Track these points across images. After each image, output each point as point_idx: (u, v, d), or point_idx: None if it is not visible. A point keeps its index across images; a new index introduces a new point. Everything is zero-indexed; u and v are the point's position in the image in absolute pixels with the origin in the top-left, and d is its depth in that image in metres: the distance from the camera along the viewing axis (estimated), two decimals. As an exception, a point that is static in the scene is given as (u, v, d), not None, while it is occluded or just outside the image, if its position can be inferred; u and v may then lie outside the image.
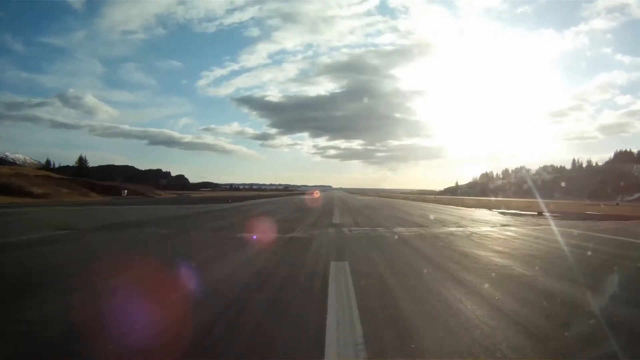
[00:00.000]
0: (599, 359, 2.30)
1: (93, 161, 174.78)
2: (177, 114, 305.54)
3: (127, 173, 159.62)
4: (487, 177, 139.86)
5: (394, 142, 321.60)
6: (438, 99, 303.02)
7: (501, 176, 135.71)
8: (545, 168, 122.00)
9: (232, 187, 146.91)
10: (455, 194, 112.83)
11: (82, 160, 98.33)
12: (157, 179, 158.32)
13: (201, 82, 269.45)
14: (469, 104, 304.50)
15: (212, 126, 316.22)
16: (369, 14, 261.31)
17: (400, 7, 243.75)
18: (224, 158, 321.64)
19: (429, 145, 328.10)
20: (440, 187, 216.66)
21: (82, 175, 70.46)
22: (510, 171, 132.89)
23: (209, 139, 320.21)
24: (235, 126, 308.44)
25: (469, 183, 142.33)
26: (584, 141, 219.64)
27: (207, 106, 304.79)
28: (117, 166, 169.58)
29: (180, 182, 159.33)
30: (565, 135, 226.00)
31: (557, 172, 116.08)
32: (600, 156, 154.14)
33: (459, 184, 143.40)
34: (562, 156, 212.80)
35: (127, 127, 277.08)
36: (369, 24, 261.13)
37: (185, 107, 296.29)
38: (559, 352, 2.28)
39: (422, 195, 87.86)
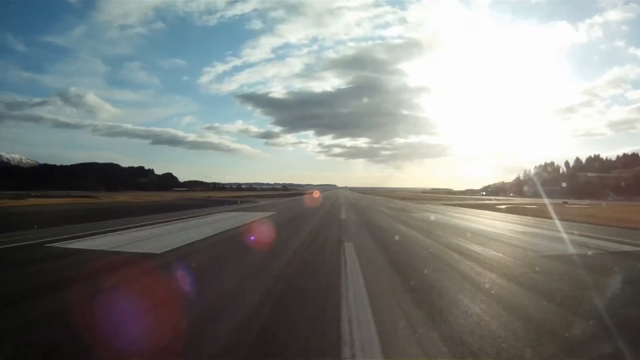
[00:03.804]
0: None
1: (95, 160, 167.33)
2: (180, 112, 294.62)
3: (109, 171, 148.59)
4: (547, 170, 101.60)
5: (400, 140, 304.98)
6: (445, 95, 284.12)
7: (564, 169, 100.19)
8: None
9: (215, 187, 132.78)
10: (522, 194, 77.53)
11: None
12: (138, 177, 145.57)
13: (203, 79, 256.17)
14: (477, 100, 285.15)
15: (216, 124, 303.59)
16: (377, 4, 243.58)
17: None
18: (229, 157, 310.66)
19: (435, 142, 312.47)
20: (446, 185, 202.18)
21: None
22: (583, 162, 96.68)
23: (212, 137, 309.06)
24: (239, 124, 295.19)
25: (510, 181, 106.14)
26: (591, 138, 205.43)
27: (210, 104, 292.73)
28: (100, 164, 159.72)
29: (165, 181, 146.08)
30: (573, 132, 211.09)
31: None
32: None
33: (469, 182, 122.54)
34: (570, 154, 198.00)
35: (130, 126, 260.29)
36: (377, 15, 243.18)
37: (188, 105, 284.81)
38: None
39: (473, 197, 59.94)
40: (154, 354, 2.76)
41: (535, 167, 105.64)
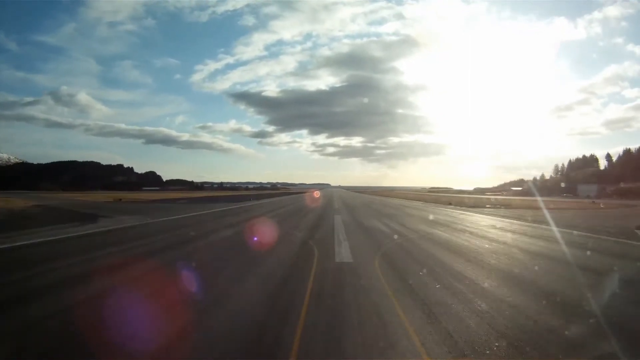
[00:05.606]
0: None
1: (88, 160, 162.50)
2: (173, 112, 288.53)
3: (87, 170, 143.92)
4: (585, 162, 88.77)
5: (394, 139, 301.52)
6: (442, 93, 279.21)
7: (605, 162, 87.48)
8: None
9: (194, 186, 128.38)
10: (575, 194, 66.65)
11: None
12: (117, 175, 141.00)
13: (195, 77, 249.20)
14: (474, 98, 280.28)
15: (209, 124, 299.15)
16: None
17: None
18: (223, 157, 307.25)
19: (430, 141, 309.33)
20: (442, 184, 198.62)
21: None
22: (633, 151, 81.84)
23: (206, 137, 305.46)
24: (232, 124, 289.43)
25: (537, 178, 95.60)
26: (586, 137, 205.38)
27: (202, 103, 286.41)
28: (79, 162, 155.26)
29: (146, 180, 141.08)
30: (569, 131, 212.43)
31: None
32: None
33: (466, 180, 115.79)
34: (569, 153, 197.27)
35: (122, 125, 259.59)
36: (372, 10, 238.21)
37: (181, 104, 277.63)
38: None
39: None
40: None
41: (570, 161, 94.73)
